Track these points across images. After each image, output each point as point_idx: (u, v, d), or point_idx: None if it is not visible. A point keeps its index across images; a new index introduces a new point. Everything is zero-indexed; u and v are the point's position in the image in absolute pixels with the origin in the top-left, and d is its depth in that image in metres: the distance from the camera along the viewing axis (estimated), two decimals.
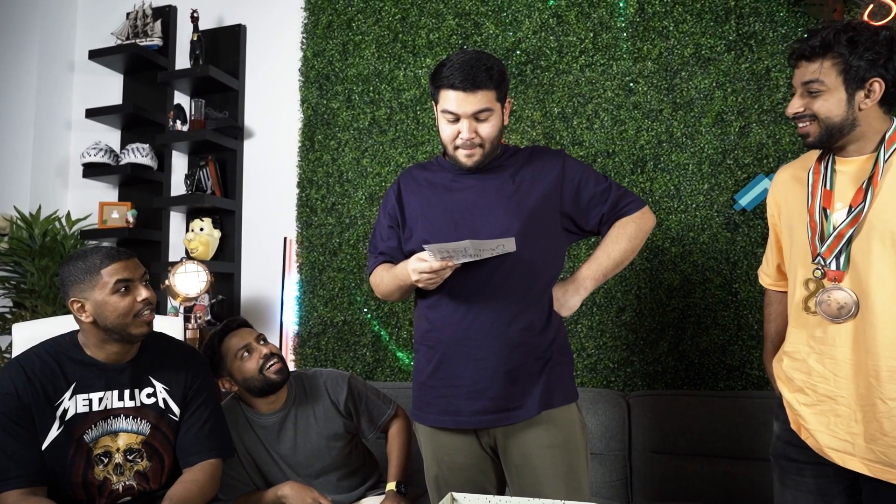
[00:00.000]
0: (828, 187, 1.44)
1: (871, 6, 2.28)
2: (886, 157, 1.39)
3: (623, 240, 1.66)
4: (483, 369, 1.56)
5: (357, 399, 2.05)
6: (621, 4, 2.65)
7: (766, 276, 1.72)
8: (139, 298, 1.58)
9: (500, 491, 1.69)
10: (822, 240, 1.42)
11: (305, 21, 3.06)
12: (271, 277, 3.08)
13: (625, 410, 2.35)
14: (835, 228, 1.41)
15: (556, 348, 1.62)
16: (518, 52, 2.75)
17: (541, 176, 1.64)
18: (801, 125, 1.45)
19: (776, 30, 2.46)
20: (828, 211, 1.43)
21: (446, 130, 1.59)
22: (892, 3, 2.26)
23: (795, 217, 1.51)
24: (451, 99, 1.54)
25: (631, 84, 2.61)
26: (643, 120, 2.59)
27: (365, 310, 2.87)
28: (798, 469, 1.50)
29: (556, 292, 1.65)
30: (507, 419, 1.56)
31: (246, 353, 1.92)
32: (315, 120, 3.01)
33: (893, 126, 1.41)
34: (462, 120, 1.55)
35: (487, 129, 1.56)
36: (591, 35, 2.67)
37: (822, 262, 1.41)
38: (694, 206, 2.50)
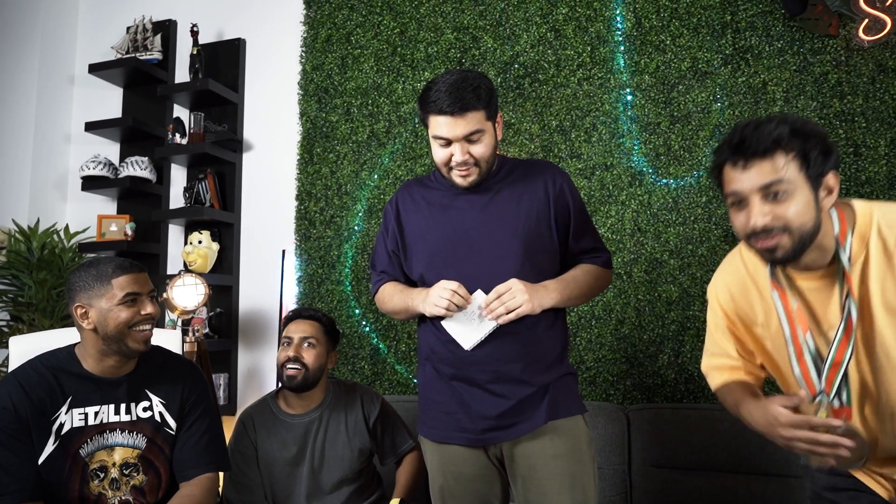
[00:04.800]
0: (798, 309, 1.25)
1: (866, 21, 2.30)
2: (849, 258, 1.18)
3: (591, 278, 1.65)
4: (490, 389, 1.56)
5: (385, 421, 2.10)
6: (619, 19, 2.67)
7: (725, 370, 1.40)
8: (143, 311, 1.59)
9: None
10: (819, 371, 1.22)
11: (304, 35, 3.08)
12: (270, 290, 3.07)
13: (624, 424, 2.33)
14: (826, 358, 1.21)
15: (561, 363, 1.63)
16: (516, 66, 2.76)
17: (538, 192, 1.63)
18: (765, 241, 1.17)
19: (772, 44, 2.48)
20: (811, 336, 1.24)
21: (439, 154, 1.57)
22: (886, 18, 2.27)
23: (775, 340, 1.31)
24: (440, 124, 1.53)
25: (628, 97, 2.63)
26: (641, 133, 2.60)
27: (363, 322, 2.86)
28: (852, 497, 1.35)
29: (524, 283, 1.53)
30: (515, 433, 1.57)
31: (286, 344, 2.03)
32: (314, 133, 3.02)
33: (836, 220, 1.20)
34: (454, 144, 1.53)
35: (481, 150, 1.55)
36: (589, 49, 2.68)
37: (826, 400, 1.21)
38: (692, 218, 2.51)
